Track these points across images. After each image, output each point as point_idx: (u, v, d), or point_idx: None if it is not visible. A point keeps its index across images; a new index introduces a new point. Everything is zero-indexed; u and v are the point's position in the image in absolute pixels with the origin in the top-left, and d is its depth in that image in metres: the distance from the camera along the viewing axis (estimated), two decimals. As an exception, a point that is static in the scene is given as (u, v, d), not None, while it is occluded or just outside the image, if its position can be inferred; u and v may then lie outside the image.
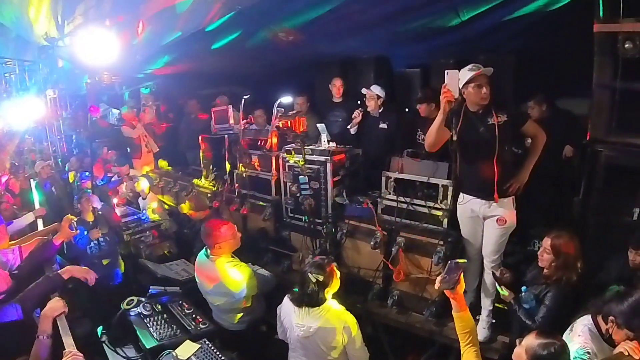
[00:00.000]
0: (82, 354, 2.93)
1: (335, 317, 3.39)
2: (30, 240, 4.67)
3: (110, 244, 5.62)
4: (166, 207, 7.39)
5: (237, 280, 3.90)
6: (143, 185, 7.35)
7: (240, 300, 3.96)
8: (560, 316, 3.37)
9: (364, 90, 5.94)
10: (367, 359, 3.57)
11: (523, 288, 3.73)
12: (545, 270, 3.67)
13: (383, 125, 5.89)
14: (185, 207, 5.81)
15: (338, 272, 3.53)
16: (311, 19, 5.15)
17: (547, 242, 3.62)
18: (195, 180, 7.07)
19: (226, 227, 4.07)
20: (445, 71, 3.79)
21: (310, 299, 3.38)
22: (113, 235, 5.73)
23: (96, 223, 5.57)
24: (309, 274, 3.37)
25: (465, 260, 2.89)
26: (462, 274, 2.77)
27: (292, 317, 3.45)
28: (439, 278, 2.77)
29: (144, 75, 9.09)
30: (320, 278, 3.34)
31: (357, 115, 5.92)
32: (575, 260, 3.55)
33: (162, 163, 8.55)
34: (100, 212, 5.61)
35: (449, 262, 2.77)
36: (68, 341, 3.17)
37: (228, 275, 3.91)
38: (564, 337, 2.90)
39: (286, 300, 3.56)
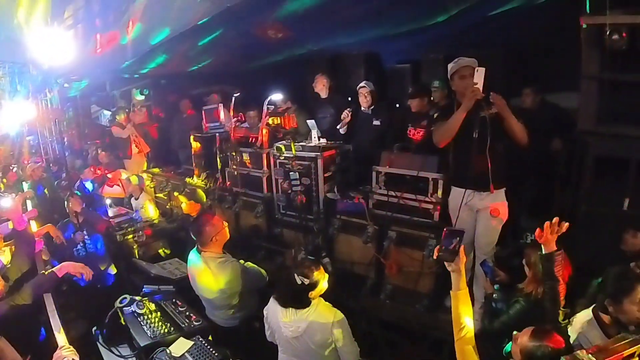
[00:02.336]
0: (74, 349, 2.94)
1: (323, 314, 3.32)
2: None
3: (97, 247, 5.60)
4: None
5: (227, 276, 3.90)
6: (135, 185, 7.33)
7: (231, 295, 3.96)
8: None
9: (363, 83, 5.89)
10: (357, 353, 3.47)
11: (495, 286, 3.63)
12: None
13: (376, 122, 5.86)
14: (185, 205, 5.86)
15: (327, 275, 3.45)
16: (300, 15, 5.16)
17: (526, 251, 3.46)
18: (187, 179, 7.07)
19: (215, 219, 4.09)
20: (475, 69, 3.82)
21: (295, 301, 3.31)
22: (100, 238, 5.70)
23: (82, 226, 5.56)
24: (295, 275, 3.25)
25: (464, 230, 2.75)
26: (462, 246, 2.56)
27: (278, 318, 3.37)
28: (437, 248, 2.60)
29: (136, 75, 9.07)
30: (306, 282, 3.23)
31: (346, 115, 5.89)
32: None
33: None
34: (82, 216, 5.59)
35: (445, 229, 2.62)
36: (60, 338, 3.18)
37: (218, 270, 3.92)
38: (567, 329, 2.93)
39: (272, 301, 3.47)
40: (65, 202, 5.66)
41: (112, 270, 5.79)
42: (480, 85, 3.77)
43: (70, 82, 7.96)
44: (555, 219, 2.76)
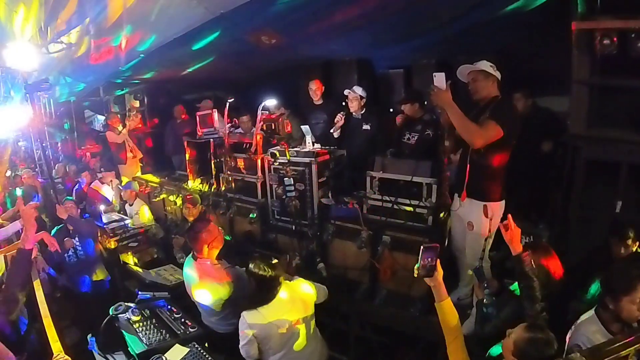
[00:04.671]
0: (69, 357, 2.93)
1: (307, 289, 3.65)
2: (14, 248, 4.65)
3: (87, 253, 5.59)
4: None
5: (224, 283, 3.90)
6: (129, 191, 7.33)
7: (228, 301, 3.97)
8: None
9: (346, 92, 5.98)
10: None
11: (486, 291, 3.57)
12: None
13: (366, 127, 5.94)
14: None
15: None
16: (293, 22, 5.18)
17: None
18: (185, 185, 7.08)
19: (211, 226, 4.10)
20: (434, 73, 3.85)
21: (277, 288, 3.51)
22: (89, 244, 5.68)
23: (74, 232, 5.56)
24: (260, 268, 3.48)
25: (437, 244, 2.81)
26: (439, 259, 2.69)
27: (274, 322, 3.44)
28: (415, 266, 2.70)
29: (120, 81, 9.05)
30: (271, 271, 3.48)
31: (339, 119, 5.94)
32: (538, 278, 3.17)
33: (148, 177, 8.52)
34: (70, 223, 5.59)
35: (421, 246, 2.69)
36: (56, 346, 3.18)
37: (215, 278, 3.92)
38: (569, 335, 2.95)
39: (253, 315, 3.47)
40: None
41: (106, 276, 5.78)
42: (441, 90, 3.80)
43: (43, 91, 7.86)
44: (505, 221, 2.98)
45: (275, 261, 3.55)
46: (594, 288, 3.37)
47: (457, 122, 3.80)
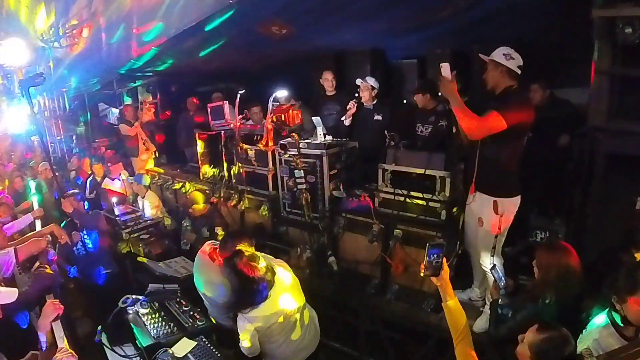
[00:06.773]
0: (73, 352, 2.91)
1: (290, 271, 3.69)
2: (26, 241, 4.65)
3: (95, 246, 5.59)
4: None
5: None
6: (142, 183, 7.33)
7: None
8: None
9: (358, 81, 5.92)
10: None
11: (502, 291, 3.51)
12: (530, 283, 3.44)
13: (377, 117, 5.88)
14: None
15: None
16: (305, 11, 5.12)
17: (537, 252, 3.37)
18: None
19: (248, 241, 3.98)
20: (440, 64, 3.84)
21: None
22: (97, 237, 5.68)
23: (82, 225, 5.57)
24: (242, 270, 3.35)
25: (443, 241, 2.70)
26: (445, 258, 2.58)
27: (274, 312, 3.41)
28: (422, 265, 2.60)
29: (141, 73, 9.07)
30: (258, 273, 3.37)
31: (351, 106, 5.90)
32: (558, 279, 3.13)
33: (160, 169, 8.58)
34: (76, 217, 5.60)
35: (427, 244, 2.60)
36: (61, 340, 3.16)
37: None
38: (581, 336, 2.84)
39: (254, 316, 3.39)
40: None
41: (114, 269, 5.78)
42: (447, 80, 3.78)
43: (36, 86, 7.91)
44: None
45: (262, 266, 3.41)
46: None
47: (457, 112, 3.77)
